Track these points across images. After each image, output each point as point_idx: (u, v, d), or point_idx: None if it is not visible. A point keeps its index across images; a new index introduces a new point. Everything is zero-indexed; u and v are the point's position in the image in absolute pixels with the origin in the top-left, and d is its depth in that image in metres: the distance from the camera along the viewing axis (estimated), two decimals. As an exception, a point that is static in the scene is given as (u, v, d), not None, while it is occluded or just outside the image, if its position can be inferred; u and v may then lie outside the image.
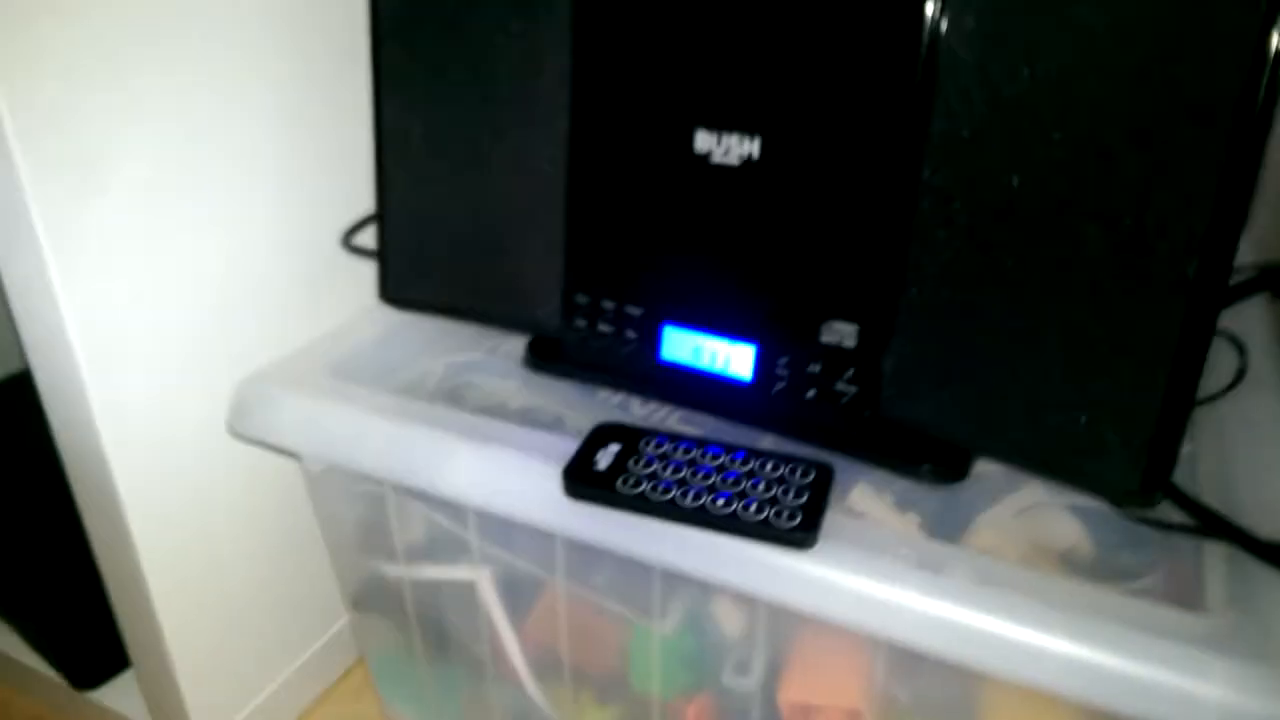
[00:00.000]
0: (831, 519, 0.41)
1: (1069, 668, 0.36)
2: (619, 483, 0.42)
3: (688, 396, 0.51)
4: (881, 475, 0.48)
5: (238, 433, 0.52)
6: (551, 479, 0.43)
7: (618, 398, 0.56)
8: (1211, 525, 0.39)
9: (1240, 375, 0.43)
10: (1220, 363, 0.50)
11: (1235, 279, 0.48)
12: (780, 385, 0.48)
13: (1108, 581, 0.43)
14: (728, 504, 0.40)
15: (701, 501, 0.40)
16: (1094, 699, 0.35)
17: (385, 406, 0.49)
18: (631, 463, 0.43)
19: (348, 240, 0.67)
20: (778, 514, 0.40)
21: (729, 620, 0.47)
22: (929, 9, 0.39)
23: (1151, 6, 0.34)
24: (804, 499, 0.41)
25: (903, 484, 0.47)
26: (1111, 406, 0.39)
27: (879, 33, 0.40)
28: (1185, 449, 0.48)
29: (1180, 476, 0.46)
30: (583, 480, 0.42)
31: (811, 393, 0.47)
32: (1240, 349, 0.43)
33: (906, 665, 0.42)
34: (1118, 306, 0.38)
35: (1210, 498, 0.44)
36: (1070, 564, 0.45)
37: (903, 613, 0.38)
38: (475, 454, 0.46)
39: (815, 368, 0.46)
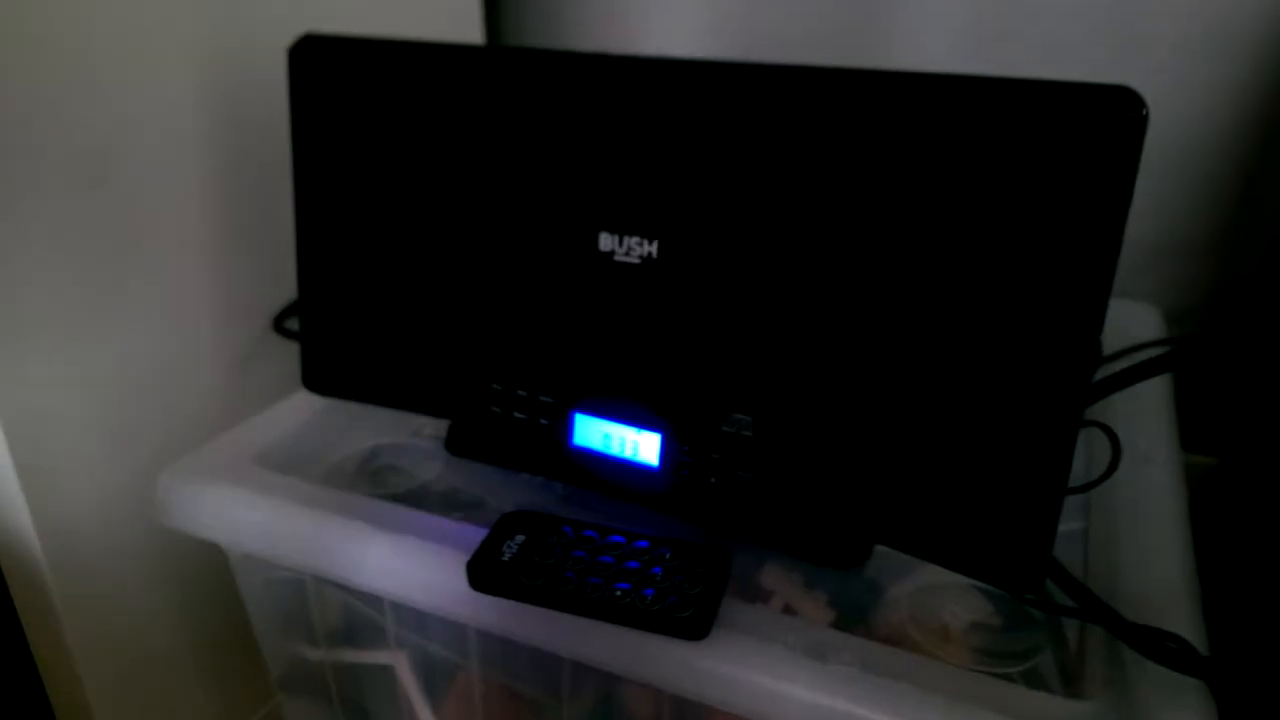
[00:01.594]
0: (729, 604, 0.43)
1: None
2: (522, 575, 0.43)
3: (599, 481, 0.53)
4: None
5: (161, 524, 0.53)
6: (459, 570, 0.44)
7: (540, 479, 0.57)
8: (1089, 608, 0.41)
9: (1113, 465, 0.45)
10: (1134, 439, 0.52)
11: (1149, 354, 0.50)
12: (684, 472, 0.49)
13: (1002, 661, 0.44)
14: (626, 594, 0.42)
15: (600, 592, 0.42)
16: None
17: (301, 495, 0.50)
18: (536, 554, 0.44)
19: (279, 324, 0.68)
20: (673, 603, 0.41)
21: (638, 705, 0.48)
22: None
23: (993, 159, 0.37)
24: (699, 588, 0.42)
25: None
26: (988, 499, 0.41)
27: (768, 146, 0.43)
28: (1078, 525, 0.50)
29: (1072, 555, 0.48)
30: (486, 573, 0.43)
31: (713, 479, 0.48)
32: (1114, 440, 0.45)
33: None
34: (991, 407, 0.39)
35: (1097, 578, 0.46)
36: (971, 642, 0.46)
37: (789, 702, 0.39)
38: (386, 544, 0.47)
39: (716, 455, 0.48)
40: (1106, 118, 0.35)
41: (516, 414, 0.53)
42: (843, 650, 0.40)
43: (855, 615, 0.48)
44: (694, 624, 0.40)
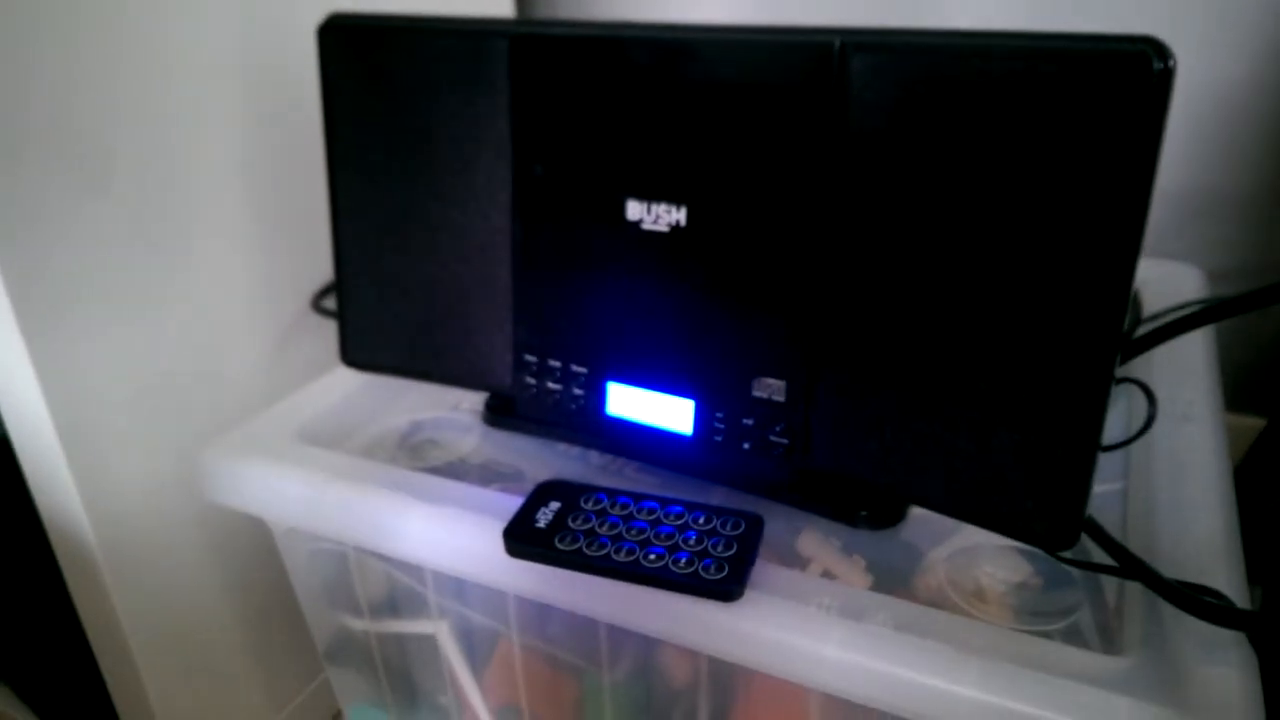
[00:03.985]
0: (763, 569, 0.43)
1: (980, 712, 0.37)
2: (557, 540, 0.43)
3: (634, 449, 0.53)
4: (829, 521, 0.49)
5: (206, 499, 0.54)
6: (495, 538, 0.45)
7: (576, 449, 0.58)
8: (1127, 566, 0.41)
9: (1149, 422, 0.44)
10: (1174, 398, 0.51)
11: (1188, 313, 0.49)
12: (718, 438, 0.49)
13: (1040, 620, 0.44)
14: (659, 558, 0.42)
15: (635, 556, 0.42)
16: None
17: (341, 469, 0.51)
18: (570, 520, 0.45)
19: (317, 303, 0.69)
20: (707, 566, 0.41)
21: (675, 669, 0.48)
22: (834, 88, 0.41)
23: (1016, 119, 0.36)
24: (733, 550, 0.42)
25: (851, 528, 0.49)
26: (1022, 457, 0.40)
27: (787, 110, 0.42)
28: (1118, 486, 0.50)
29: (1110, 515, 0.48)
30: (522, 539, 0.44)
31: (747, 445, 0.48)
32: (1150, 396, 0.45)
33: (843, 711, 0.44)
34: (1022, 364, 0.39)
35: (1135, 536, 0.46)
36: (1009, 602, 0.46)
37: (823, 661, 0.39)
38: (424, 514, 0.48)
39: (749, 421, 0.48)
40: (1132, 69, 0.34)
41: (550, 385, 0.53)
42: (878, 611, 0.40)
43: (894, 579, 0.48)
44: (727, 586, 0.40)
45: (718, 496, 0.52)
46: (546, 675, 0.51)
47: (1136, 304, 0.62)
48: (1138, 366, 0.57)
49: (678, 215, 0.46)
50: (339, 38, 0.53)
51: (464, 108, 0.51)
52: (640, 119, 0.46)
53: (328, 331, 0.69)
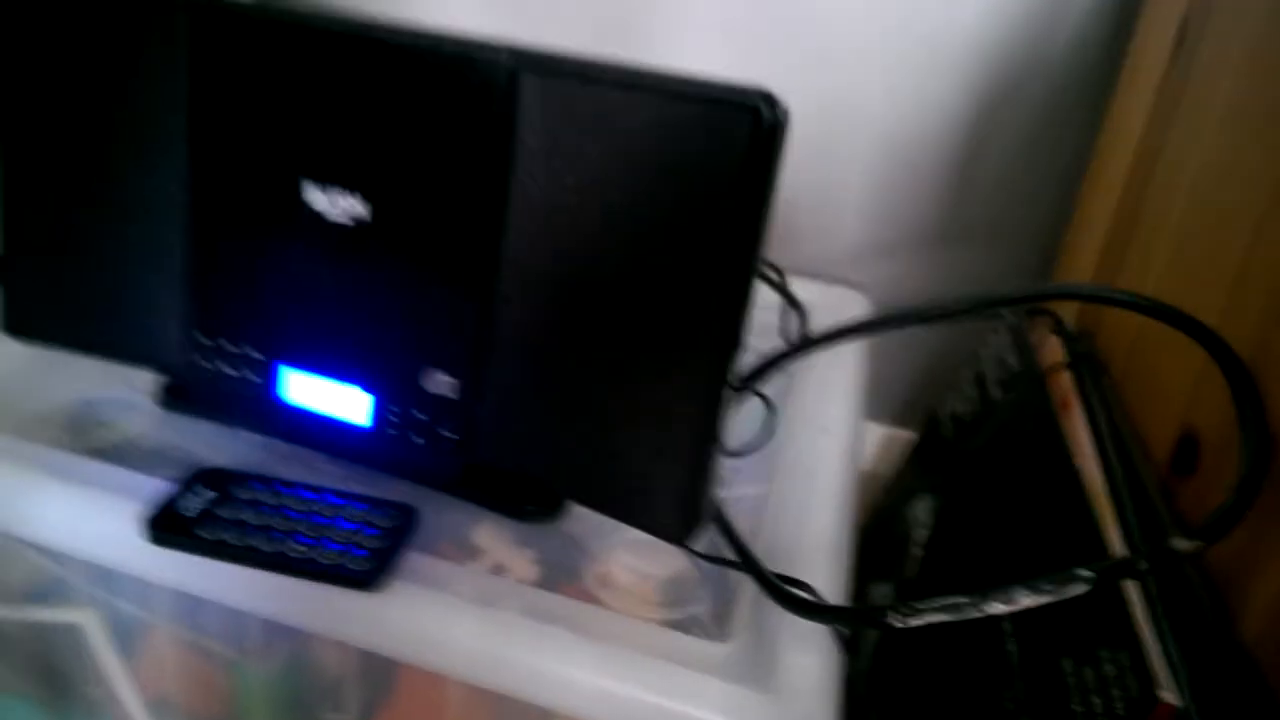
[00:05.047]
0: (417, 560, 0.44)
1: (595, 695, 0.40)
2: (201, 528, 0.43)
3: (310, 439, 0.53)
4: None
5: None
6: (138, 524, 0.44)
7: (261, 437, 0.57)
8: (742, 560, 0.45)
9: (768, 431, 0.50)
10: (817, 411, 0.57)
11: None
12: (392, 431, 0.50)
13: (667, 609, 0.48)
14: (307, 548, 0.42)
15: (279, 546, 0.42)
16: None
17: (-22, 446, 0.48)
18: (219, 508, 0.44)
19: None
20: (355, 556, 0.42)
21: (328, 660, 0.49)
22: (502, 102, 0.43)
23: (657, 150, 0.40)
24: (383, 541, 0.43)
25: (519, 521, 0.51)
26: (653, 458, 0.44)
27: (463, 117, 0.44)
28: (760, 490, 0.55)
29: (748, 516, 0.53)
30: (165, 527, 0.43)
31: (419, 439, 0.50)
32: (770, 408, 0.50)
33: (481, 699, 0.46)
34: (653, 374, 0.43)
35: (762, 534, 0.51)
36: (646, 593, 0.50)
37: (454, 648, 0.41)
38: (65, 497, 0.45)
39: (421, 416, 0.49)
40: (745, 118, 0.38)
41: (224, 368, 0.52)
42: (509, 599, 0.43)
43: (562, 571, 0.51)
44: (367, 575, 0.41)
45: (396, 489, 0.52)
46: (199, 667, 0.50)
47: (803, 322, 0.68)
48: (795, 382, 0.63)
49: (359, 207, 0.47)
50: (10, -12, 0.49)
51: (143, 74, 0.49)
52: (320, 107, 0.46)
53: None
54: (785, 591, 0.42)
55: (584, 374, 0.45)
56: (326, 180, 0.47)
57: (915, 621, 0.35)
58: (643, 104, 0.41)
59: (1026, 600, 0.32)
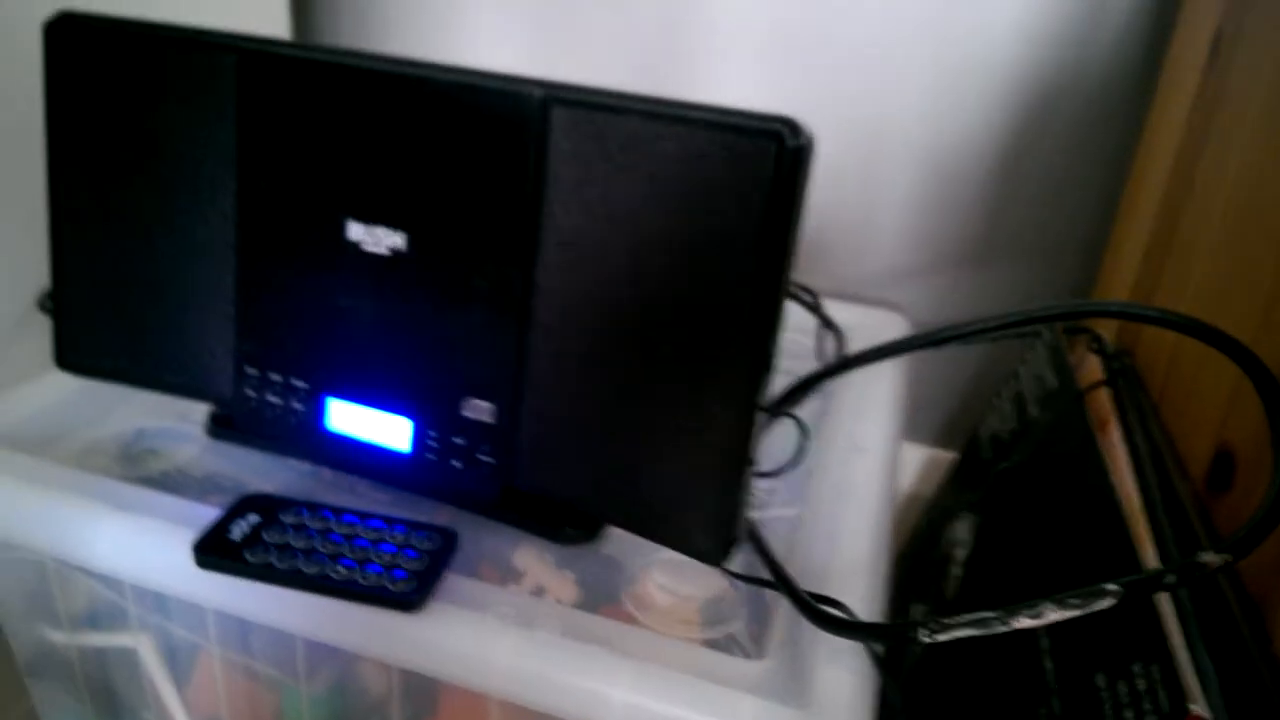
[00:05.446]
0: (458, 582, 0.45)
1: (631, 713, 0.40)
2: (248, 553, 0.44)
3: (354, 465, 0.54)
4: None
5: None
6: (187, 549, 0.45)
7: (308, 465, 0.58)
8: (776, 578, 0.46)
9: (802, 452, 0.50)
10: (852, 430, 0.57)
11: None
12: (432, 456, 0.51)
13: (704, 629, 0.49)
14: (350, 570, 0.44)
15: (323, 569, 0.44)
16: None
17: (39, 475, 0.50)
18: (266, 533, 0.46)
19: (44, 303, 0.66)
20: (396, 578, 0.43)
21: (371, 681, 0.50)
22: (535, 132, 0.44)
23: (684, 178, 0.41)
24: (424, 564, 0.44)
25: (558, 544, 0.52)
26: (690, 481, 0.45)
27: (497, 149, 0.45)
28: (795, 511, 0.55)
29: (783, 536, 0.53)
30: (212, 551, 0.44)
31: (458, 463, 0.51)
32: (803, 430, 0.50)
33: (522, 718, 0.47)
34: (686, 398, 0.44)
35: (797, 554, 0.51)
36: (680, 612, 0.51)
37: (494, 668, 0.42)
38: (117, 524, 0.47)
39: (460, 441, 0.50)
40: (768, 145, 0.39)
41: (271, 398, 0.54)
42: (550, 619, 0.43)
43: (602, 592, 0.52)
44: (409, 596, 0.42)
45: (438, 513, 0.54)
46: (247, 688, 0.52)
47: (841, 344, 0.69)
48: (832, 402, 0.64)
49: (398, 239, 0.48)
50: (67, 35, 0.52)
51: (191, 116, 0.51)
52: (361, 145, 0.48)
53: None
54: (817, 609, 0.42)
55: (618, 398, 0.46)
56: (367, 214, 0.49)
57: (943, 636, 0.35)
58: (669, 134, 0.42)
59: (1054, 615, 0.32)
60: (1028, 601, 0.33)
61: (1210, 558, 0.32)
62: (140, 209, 0.53)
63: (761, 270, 0.41)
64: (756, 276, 0.41)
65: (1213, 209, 0.58)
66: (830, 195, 0.88)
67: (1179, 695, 0.33)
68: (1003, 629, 0.33)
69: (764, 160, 0.39)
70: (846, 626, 0.41)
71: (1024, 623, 0.33)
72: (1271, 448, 0.35)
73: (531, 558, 0.53)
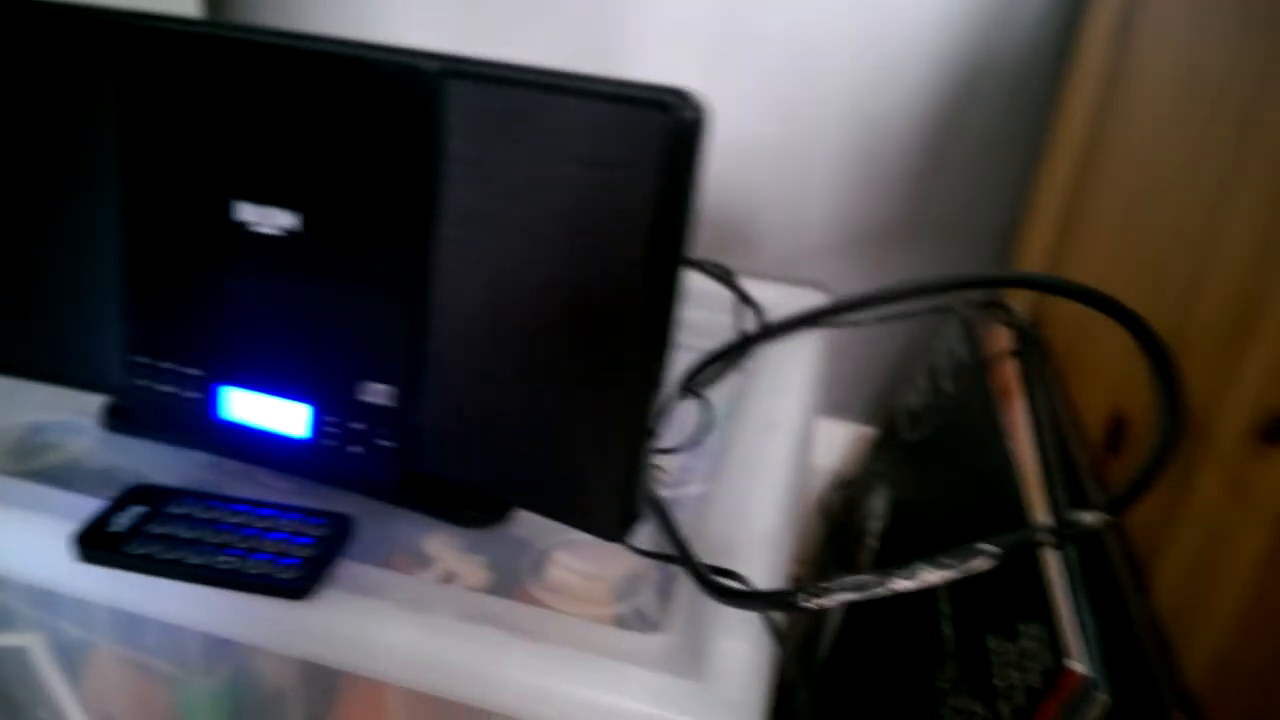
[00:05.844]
0: (353, 568, 0.44)
1: (528, 693, 0.40)
2: (130, 545, 0.43)
3: (251, 454, 0.53)
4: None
5: None
6: (68, 543, 0.44)
7: (205, 455, 0.57)
8: (678, 552, 0.45)
9: (705, 429, 0.50)
10: (766, 407, 0.57)
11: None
12: (331, 442, 0.50)
13: (609, 605, 0.48)
14: (235, 560, 0.42)
15: (208, 559, 0.42)
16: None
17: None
18: (151, 524, 0.44)
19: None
20: (286, 565, 0.42)
21: (272, 671, 0.48)
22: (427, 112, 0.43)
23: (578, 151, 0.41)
24: (315, 551, 0.43)
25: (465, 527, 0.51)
26: (590, 459, 0.44)
27: (389, 124, 0.44)
28: (706, 489, 0.55)
29: (693, 512, 0.53)
30: (93, 544, 0.43)
31: (358, 449, 0.50)
32: (707, 407, 0.50)
33: (420, 703, 0.46)
34: (584, 377, 0.43)
35: (704, 529, 0.51)
36: (586, 591, 0.50)
37: (387, 653, 0.41)
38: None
39: (360, 425, 0.49)
40: (657, 117, 0.38)
41: (163, 387, 0.52)
42: (445, 603, 0.43)
43: (512, 575, 0.51)
44: (296, 583, 0.41)
45: (340, 501, 0.52)
46: (142, 685, 0.50)
47: (761, 319, 0.69)
48: (751, 381, 0.63)
49: (289, 220, 0.47)
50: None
51: (70, 96, 0.49)
52: (248, 122, 0.47)
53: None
54: (709, 579, 0.42)
55: (518, 378, 0.45)
56: (256, 194, 0.47)
57: (824, 601, 0.35)
58: (562, 107, 0.41)
59: (930, 576, 0.32)
60: (903, 563, 0.33)
61: (1087, 517, 0.32)
62: (20, 195, 0.51)
63: (656, 244, 0.40)
64: (651, 250, 0.40)
65: (1116, 185, 0.59)
66: (759, 176, 0.89)
67: (1060, 653, 0.33)
68: (881, 591, 0.33)
69: (656, 132, 0.39)
70: (734, 595, 0.41)
71: (901, 585, 0.33)
72: (1156, 408, 0.36)
73: (440, 544, 0.52)
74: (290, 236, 0.48)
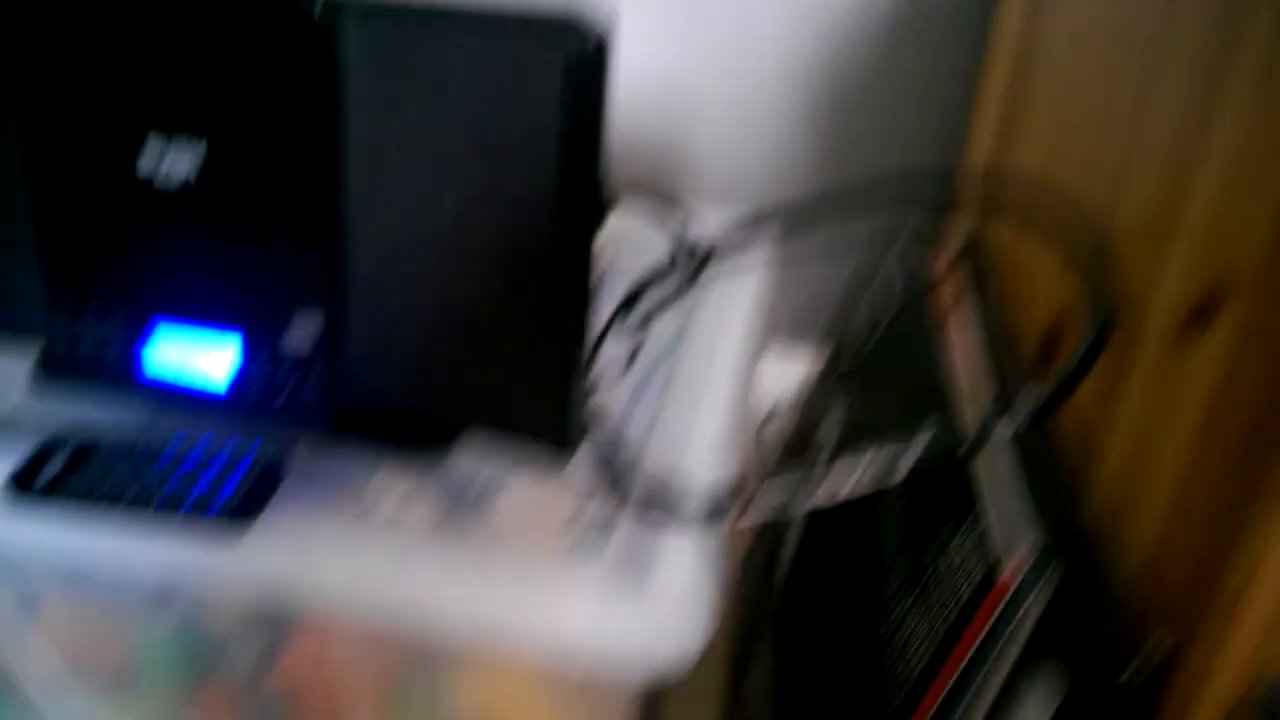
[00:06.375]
0: (295, 509, 0.44)
1: (467, 624, 0.40)
2: (60, 489, 0.42)
3: (179, 400, 0.52)
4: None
5: None
6: None
7: (136, 401, 0.56)
8: (613, 479, 0.46)
9: (631, 360, 0.50)
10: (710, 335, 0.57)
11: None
12: (260, 386, 0.50)
13: (566, 534, 0.48)
14: (166, 503, 0.42)
15: (139, 502, 0.42)
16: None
17: None
18: (81, 469, 0.44)
19: None
20: (214, 506, 0.42)
21: (222, 613, 0.48)
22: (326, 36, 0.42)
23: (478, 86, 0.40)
24: (245, 490, 0.43)
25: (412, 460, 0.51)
26: (523, 387, 0.44)
27: (287, 62, 0.43)
28: (644, 419, 0.55)
29: (634, 443, 0.53)
30: (25, 489, 0.42)
31: (288, 386, 0.49)
32: (637, 347, 0.50)
33: (372, 639, 0.46)
34: (515, 298, 0.43)
35: (649, 460, 0.51)
36: (556, 520, 0.50)
37: (322, 592, 0.41)
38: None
39: (287, 363, 0.49)
40: (556, 47, 0.38)
41: (85, 335, 0.51)
42: (388, 538, 0.43)
43: (467, 513, 0.51)
44: (234, 517, 0.41)
45: (284, 441, 0.52)
46: (96, 630, 0.50)
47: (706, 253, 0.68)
48: (697, 311, 0.64)
49: (194, 159, 0.46)
50: None
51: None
52: (144, 56, 0.45)
53: None
54: (644, 500, 0.42)
55: (444, 313, 0.45)
56: (159, 133, 0.46)
57: (751, 518, 0.35)
58: (458, 42, 0.40)
59: (847, 490, 0.33)
60: (825, 481, 0.33)
61: (1003, 427, 0.33)
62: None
63: (566, 172, 0.40)
64: (562, 178, 0.40)
65: (1050, 74, 0.59)
66: (702, 103, 0.88)
67: (992, 565, 0.34)
68: (804, 507, 0.33)
69: (554, 60, 0.38)
70: (668, 515, 0.41)
71: (819, 499, 0.33)
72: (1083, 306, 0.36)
73: (383, 482, 0.52)
74: (197, 178, 0.47)
